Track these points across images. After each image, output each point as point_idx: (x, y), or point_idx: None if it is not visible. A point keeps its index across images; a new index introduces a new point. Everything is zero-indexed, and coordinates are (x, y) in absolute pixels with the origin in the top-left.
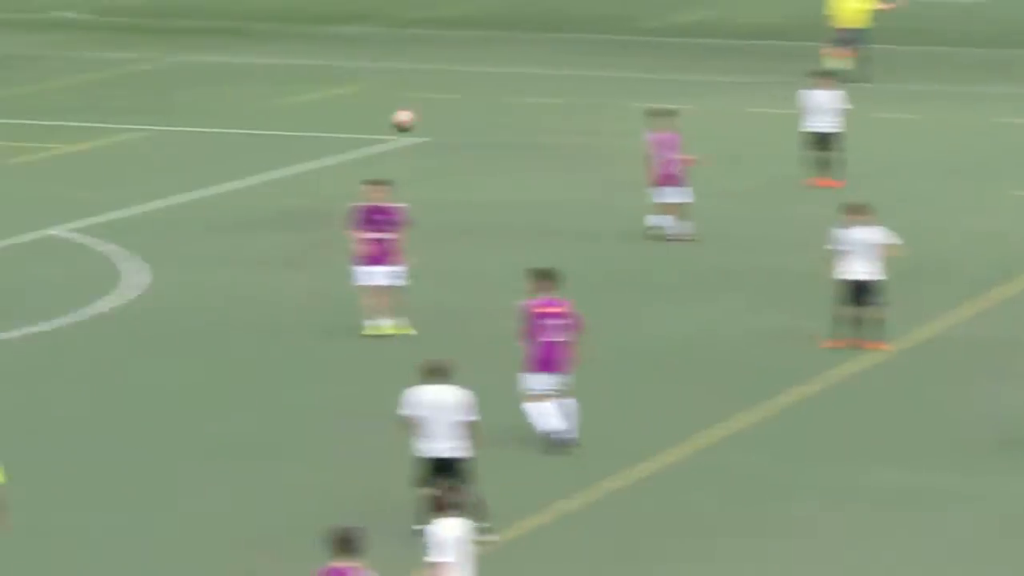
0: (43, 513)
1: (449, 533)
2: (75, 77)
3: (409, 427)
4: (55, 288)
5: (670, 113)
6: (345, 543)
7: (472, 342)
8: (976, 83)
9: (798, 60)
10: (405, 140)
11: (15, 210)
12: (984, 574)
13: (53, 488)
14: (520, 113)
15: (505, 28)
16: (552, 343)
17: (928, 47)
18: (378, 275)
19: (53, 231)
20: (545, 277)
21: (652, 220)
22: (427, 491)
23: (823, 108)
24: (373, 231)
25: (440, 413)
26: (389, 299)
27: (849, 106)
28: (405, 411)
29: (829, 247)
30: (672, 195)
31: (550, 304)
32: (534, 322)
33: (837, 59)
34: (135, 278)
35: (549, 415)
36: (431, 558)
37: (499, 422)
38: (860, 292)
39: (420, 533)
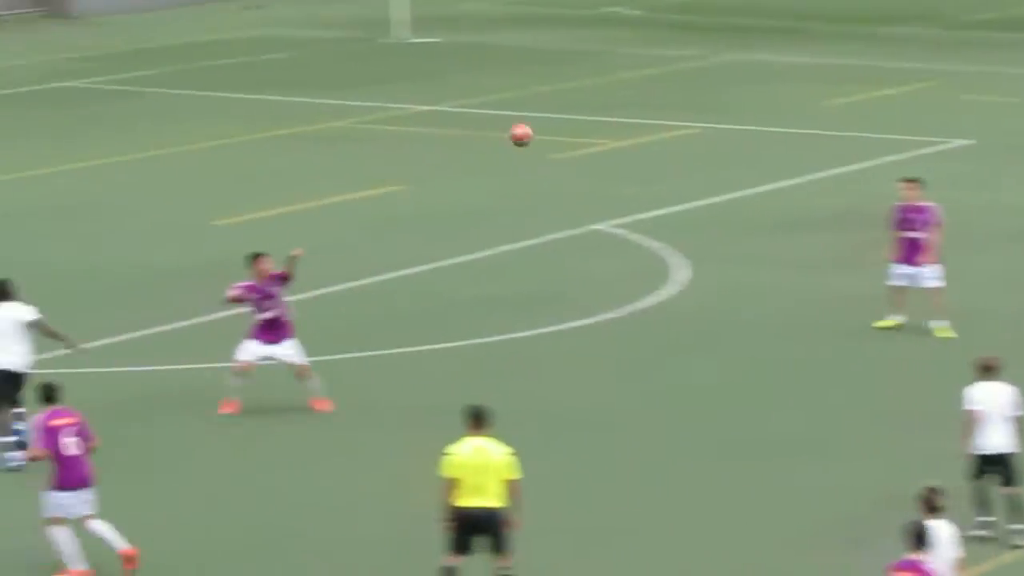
0: (555, 511)
1: (940, 533)
2: (628, 73)
3: (969, 423)
4: (599, 283)
5: None
6: (918, 537)
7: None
8: None
9: None
10: (954, 143)
11: (561, 205)
12: None
13: (574, 482)
14: None
15: None
16: None
17: None
18: (910, 275)
19: (598, 226)
20: None
21: None
22: (975, 485)
23: None
24: (907, 230)
25: (994, 409)
26: (935, 300)
27: None
28: (967, 407)
29: None
30: None
31: None
32: None
33: None
34: (677, 275)
35: None
36: (923, 556)
37: None
38: None
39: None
